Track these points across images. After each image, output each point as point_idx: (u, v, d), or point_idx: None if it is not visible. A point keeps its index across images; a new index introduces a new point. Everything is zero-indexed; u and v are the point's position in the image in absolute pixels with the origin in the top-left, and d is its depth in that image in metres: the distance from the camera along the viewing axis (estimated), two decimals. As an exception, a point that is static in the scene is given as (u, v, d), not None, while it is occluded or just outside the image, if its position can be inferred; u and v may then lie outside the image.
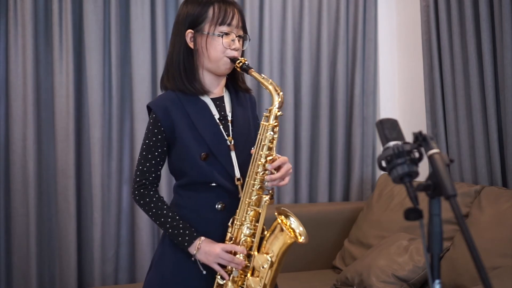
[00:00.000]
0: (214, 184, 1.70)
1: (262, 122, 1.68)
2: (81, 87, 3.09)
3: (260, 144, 1.67)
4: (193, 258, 1.68)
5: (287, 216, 1.71)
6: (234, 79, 1.81)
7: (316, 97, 3.48)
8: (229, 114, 1.76)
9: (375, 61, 3.55)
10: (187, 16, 1.71)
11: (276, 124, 1.67)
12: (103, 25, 3.09)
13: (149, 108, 1.74)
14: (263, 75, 1.68)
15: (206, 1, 1.70)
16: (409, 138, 1.08)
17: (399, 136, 1.08)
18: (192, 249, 1.67)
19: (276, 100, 1.66)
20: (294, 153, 3.43)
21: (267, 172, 1.66)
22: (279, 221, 1.67)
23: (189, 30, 1.70)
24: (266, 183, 1.66)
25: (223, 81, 1.78)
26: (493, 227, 2.42)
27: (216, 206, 1.70)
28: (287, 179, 1.69)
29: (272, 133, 1.66)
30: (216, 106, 1.74)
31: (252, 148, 1.71)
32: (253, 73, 1.68)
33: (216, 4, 1.69)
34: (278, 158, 1.68)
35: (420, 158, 1.04)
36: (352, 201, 3.51)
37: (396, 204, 2.97)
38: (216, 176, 1.69)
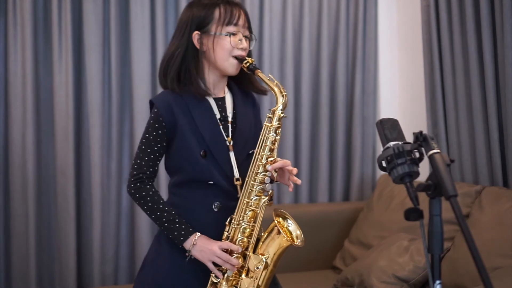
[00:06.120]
0: (211, 182, 1.69)
1: (265, 123, 1.68)
2: (80, 87, 3.09)
3: (262, 145, 1.67)
4: (187, 254, 1.67)
5: (285, 218, 1.71)
6: (240, 80, 1.81)
7: (316, 97, 3.47)
8: (230, 115, 1.76)
9: (375, 61, 3.55)
10: (192, 18, 1.71)
11: (279, 125, 1.67)
12: (102, 25, 3.08)
13: (151, 103, 1.74)
14: (269, 76, 1.69)
15: (211, 3, 1.71)
16: (409, 138, 1.08)
17: (400, 136, 1.07)
18: (188, 245, 1.66)
19: (280, 102, 1.67)
20: (294, 153, 3.42)
21: (267, 173, 1.66)
22: (276, 223, 1.67)
23: (196, 32, 1.71)
24: (266, 184, 1.66)
25: (225, 82, 1.79)
26: (493, 227, 2.41)
27: (213, 206, 1.70)
28: (293, 180, 1.68)
29: (274, 134, 1.66)
30: (218, 106, 1.75)
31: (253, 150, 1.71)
32: (259, 74, 1.68)
33: (222, 5, 1.70)
34: (280, 160, 1.68)
35: (420, 158, 1.04)
36: (352, 201, 3.50)
37: (396, 204, 2.96)
38: (214, 174, 1.69)
